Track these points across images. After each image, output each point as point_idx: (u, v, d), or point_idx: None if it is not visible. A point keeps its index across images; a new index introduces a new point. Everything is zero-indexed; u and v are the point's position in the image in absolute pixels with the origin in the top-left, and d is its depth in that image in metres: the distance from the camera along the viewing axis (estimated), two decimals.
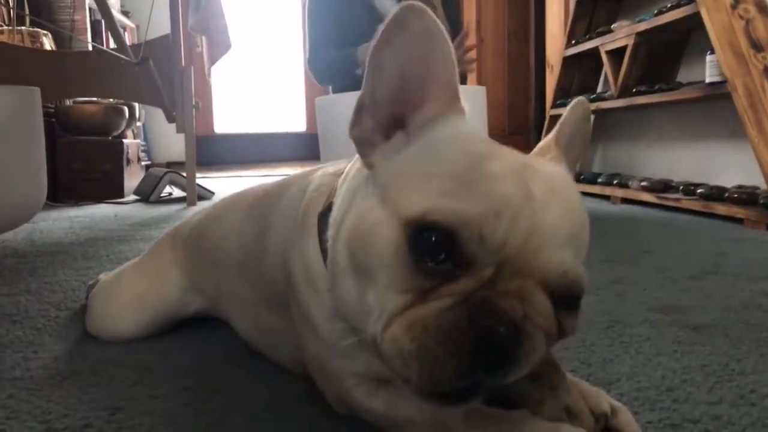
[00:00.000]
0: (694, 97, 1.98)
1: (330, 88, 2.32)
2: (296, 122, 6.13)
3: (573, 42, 2.70)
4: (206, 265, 0.84)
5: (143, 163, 3.88)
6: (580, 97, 0.58)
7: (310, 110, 5.98)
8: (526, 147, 2.99)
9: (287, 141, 6.10)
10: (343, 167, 0.63)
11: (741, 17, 1.78)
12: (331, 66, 2.13)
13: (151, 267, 0.90)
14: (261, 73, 6.02)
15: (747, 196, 1.74)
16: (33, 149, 1.70)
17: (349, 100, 1.84)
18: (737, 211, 1.74)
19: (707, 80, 1.87)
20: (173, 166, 5.48)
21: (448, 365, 0.41)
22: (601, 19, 2.69)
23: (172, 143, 5.28)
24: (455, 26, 2.21)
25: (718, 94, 1.85)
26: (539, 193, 0.44)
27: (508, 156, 0.47)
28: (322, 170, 0.67)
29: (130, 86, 2.66)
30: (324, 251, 0.56)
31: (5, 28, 3.16)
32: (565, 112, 0.57)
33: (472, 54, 2.01)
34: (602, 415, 0.51)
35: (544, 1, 3.48)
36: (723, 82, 1.80)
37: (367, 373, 0.58)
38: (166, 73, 2.65)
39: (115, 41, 2.65)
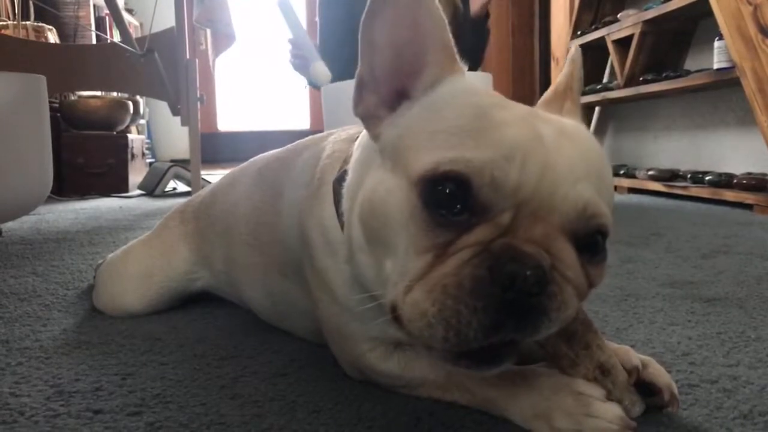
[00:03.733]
0: (702, 84, 1.96)
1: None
2: (300, 120, 6.13)
3: (578, 33, 2.69)
4: (216, 233, 0.83)
5: (147, 160, 3.89)
6: (575, 48, 0.58)
7: (314, 108, 5.97)
8: None
9: (291, 138, 6.01)
10: (355, 132, 0.63)
11: (749, 3, 1.76)
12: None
13: (159, 242, 0.90)
14: (264, 71, 6.02)
15: (756, 182, 1.73)
16: (39, 135, 1.70)
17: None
18: (746, 197, 1.73)
19: (715, 66, 1.86)
20: (178, 163, 5.49)
21: (473, 322, 0.39)
22: (606, 9, 2.69)
23: (176, 141, 5.28)
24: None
25: (726, 80, 1.83)
26: (549, 136, 0.44)
27: (513, 106, 0.47)
28: (334, 136, 0.67)
29: (135, 79, 2.66)
30: (340, 217, 0.55)
31: (10, 22, 3.17)
32: (565, 66, 0.56)
33: None
34: (634, 368, 0.51)
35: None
36: (731, 68, 1.79)
37: (382, 337, 0.58)
38: (171, 66, 2.65)
39: (120, 33, 2.64)
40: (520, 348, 0.44)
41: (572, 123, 0.49)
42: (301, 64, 2.02)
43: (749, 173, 1.85)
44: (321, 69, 1.92)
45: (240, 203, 0.79)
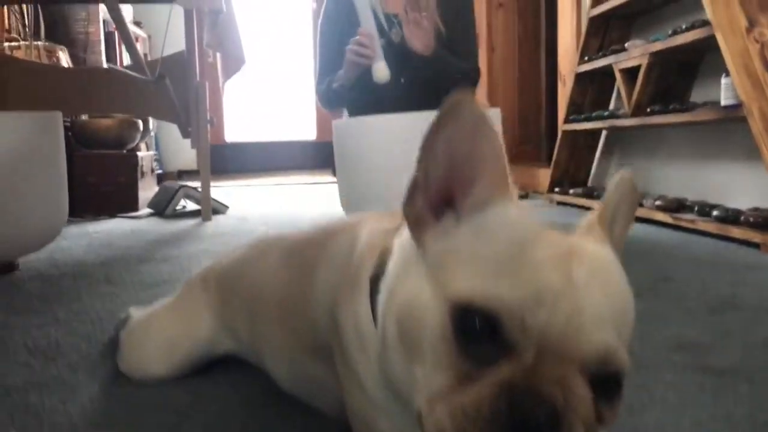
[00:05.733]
0: (709, 120, 1.99)
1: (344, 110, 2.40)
2: (306, 131, 6.16)
3: (586, 58, 2.71)
4: (241, 307, 0.86)
5: (156, 172, 3.92)
6: (624, 173, 0.57)
7: (320, 119, 6.00)
8: (537, 156, 3.00)
9: (297, 149, 6.14)
10: (391, 225, 0.65)
11: (756, 41, 1.78)
12: (327, 91, 2.23)
13: (183, 309, 0.92)
14: (271, 82, 6.05)
15: (763, 220, 1.74)
16: (55, 171, 1.73)
17: (366, 123, 1.87)
18: (753, 235, 1.74)
19: (722, 103, 1.88)
20: (185, 174, 5.53)
21: None
22: (613, 36, 2.70)
23: (184, 151, 5.29)
24: (459, 20, 2.25)
25: (734, 117, 1.85)
26: (581, 279, 0.46)
27: (552, 241, 0.48)
28: (369, 225, 0.68)
29: (146, 102, 2.69)
30: (375, 313, 0.57)
31: (22, 43, 3.21)
32: (609, 187, 0.57)
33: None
34: None
35: (555, 11, 3.49)
36: (738, 105, 1.81)
37: None
38: (181, 89, 2.68)
39: (131, 59, 2.68)
40: None
41: (605, 257, 0.50)
42: (360, 61, 2.04)
43: (756, 208, 1.87)
44: (383, 68, 1.98)
45: (267, 280, 0.81)
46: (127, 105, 2.77)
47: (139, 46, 4.84)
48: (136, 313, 1.07)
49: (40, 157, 1.67)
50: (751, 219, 1.77)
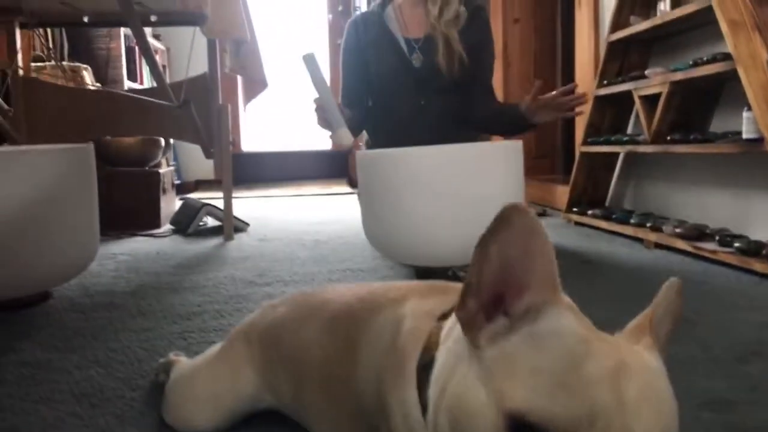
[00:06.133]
0: (730, 153, 2.00)
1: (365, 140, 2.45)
2: (322, 140, 6.20)
3: (605, 83, 2.72)
4: (283, 369, 0.89)
5: (175, 182, 3.97)
6: (674, 279, 0.60)
7: None
8: (552, 170, 3.02)
9: (313, 159, 6.19)
10: (435, 307, 0.67)
11: None
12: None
13: (226, 364, 0.96)
14: (286, 91, 6.09)
15: None
16: (87, 203, 1.78)
17: (390, 156, 1.90)
18: None
19: (744, 136, 1.89)
20: (202, 184, 5.60)
21: None
22: (632, 60, 2.72)
23: (202, 162, 5.36)
24: (481, 51, 2.28)
25: (756, 152, 1.86)
26: (632, 397, 0.48)
27: (605, 353, 0.50)
28: (412, 304, 0.71)
29: (171, 126, 2.74)
30: (423, 400, 0.60)
31: (47, 63, 3.27)
32: (659, 293, 0.59)
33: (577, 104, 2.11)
34: None
35: (572, 26, 3.50)
36: (761, 140, 1.82)
37: None
38: (204, 111, 2.73)
39: (157, 84, 2.73)
40: None
41: (654, 371, 0.52)
42: (325, 125, 2.09)
43: None
44: (344, 134, 1.99)
45: (311, 348, 0.84)
46: (152, 129, 2.83)
47: (157, 57, 4.91)
48: (178, 360, 1.11)
49: (73, 190, 1.72)
50: None
